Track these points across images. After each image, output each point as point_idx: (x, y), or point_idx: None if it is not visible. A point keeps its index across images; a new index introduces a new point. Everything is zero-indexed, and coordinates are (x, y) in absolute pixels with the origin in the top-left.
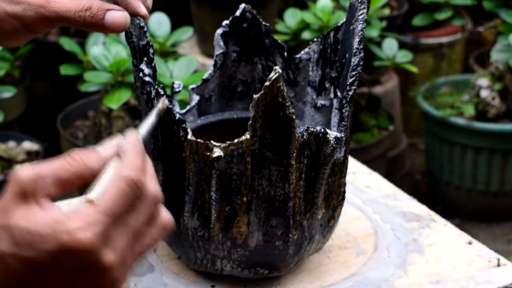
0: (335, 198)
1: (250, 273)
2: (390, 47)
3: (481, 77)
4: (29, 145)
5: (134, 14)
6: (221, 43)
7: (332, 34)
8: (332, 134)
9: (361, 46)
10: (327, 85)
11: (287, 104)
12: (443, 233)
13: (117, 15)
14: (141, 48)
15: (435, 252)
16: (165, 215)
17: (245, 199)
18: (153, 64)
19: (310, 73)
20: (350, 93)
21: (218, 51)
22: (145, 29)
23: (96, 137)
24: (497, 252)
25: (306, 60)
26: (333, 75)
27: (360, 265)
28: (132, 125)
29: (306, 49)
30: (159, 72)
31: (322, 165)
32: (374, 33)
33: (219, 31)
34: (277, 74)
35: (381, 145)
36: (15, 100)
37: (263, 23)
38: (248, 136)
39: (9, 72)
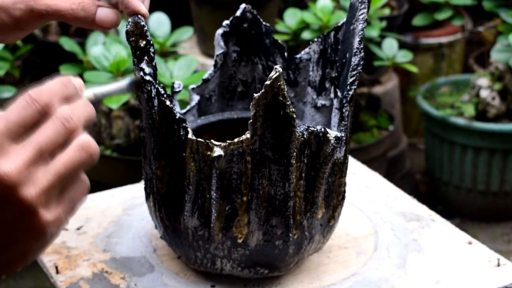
0: (335, 197)
1: (250, 272)
2: (390, 47)
3: (481, 77)
4: None
5: (134, 13)
6: (222, 43)
7: (332, 34)
8: (332, 133)
9: (361, 46)
10: (327, 85)
11: (288, 103)
12: (443, 233)
13: (109, 12)
14: (141, 47)
15: (435, 252)
16: (84, 138)
17: (245, 198)
18: (153, 63)
19: (311, 73)
20: (350, 93)
21: (218, 51)
22: (146, 28)
23: (96, 137)
24: (497, 252)
25: (306, 60)
26: (333, 75)
27: (360, 265)
28: (133, 125)
29: (307, 49)
30: (159, 72)
31: (322, 164)
32: (374, 33)
33: (220, 31)
34: (277, 73)
35: (381, 145)
36: None
37: (264, 23)
38: (248, 136)
39: (9, 72)
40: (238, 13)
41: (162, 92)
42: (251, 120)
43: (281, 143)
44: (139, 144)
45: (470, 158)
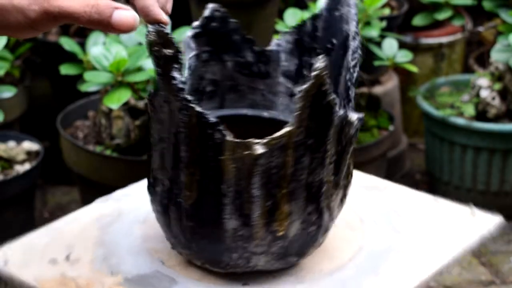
0: (349, 177)
1: (281, 264)
2: (390, 47)
3: (481, 77)
4: (29, 145)
5: (155, 22)
6: (192, 45)
7: (310, 22)
8: (354, 115)
9: (358, 30)
10: (305, 72)
11: (329, 91)
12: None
13: (125, 15)
14: (168, 56)
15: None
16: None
17: (285, 190)
18: (182, 71)
19: (284, 63)
20: (355, 75)
21: (189, 54)
22: (170, 35)
23: (96, 137)
24: (497, 252)
25: (277, 52)
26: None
27: (359, 238)
28: (132, 125)
29: (276, 41)
30: None
31: (346, 146)
32: (374, 33)
33: (189, 33)
34: (324, 63)
35: (381, 145)
36: (15, 100)
37: (231, 20)
38: (290, 128)
39: (9, 72)
40: (207, 13)
41: (190, 98)
42: (297, 112)
43: (322, 132)
44: (139, 144)
45: (470, 158)
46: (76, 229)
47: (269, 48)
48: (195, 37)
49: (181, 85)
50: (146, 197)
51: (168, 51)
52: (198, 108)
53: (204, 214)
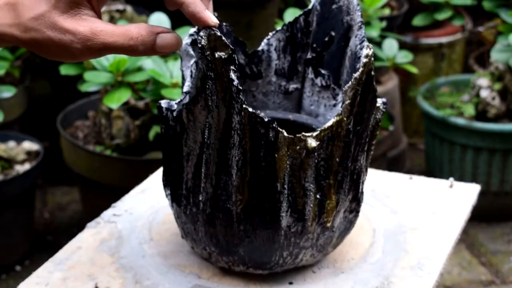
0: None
1: (321, 256)
2: (390, 47)
3: (481, 77)
4: (29, 145)
5: (206, 27)
6: (192, 52)
7: (302, 18)
8: (379, 100)
9: (363, 19)
10: (299, 68)
11: (374, 76)
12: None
13: (168, 38)
14: (224, 58)
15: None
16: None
17: (333, 181)
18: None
19: (276, 61)
20: (365, 61)
21: (190, 61)
22: (223, 37)
23: (96, 137)
24: (497, 252)
25: (268, 51)
26: (310, 57)
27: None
28: (132, 125)
29: (266, 40)
30: (159, 72)
31: (374, 131)
32: (374, 33)
33: (187, 41)
34: (371, 50)
35: (381, 145)
36: (15, 100)
37: (224, 24)
38: (338, 118)
39: (9, 72)
40: None
41: (244, 99)
42: (349, 101)
43: (367, 117)
44: (139, 144)
45: (470, 158)
46: (85, 258)
47: (259, 48)
48: (193, 43)
49: (240, 87)
50: (134, 214)
51: (222, 54)
52: (250, 109)
53: (259, 215)
